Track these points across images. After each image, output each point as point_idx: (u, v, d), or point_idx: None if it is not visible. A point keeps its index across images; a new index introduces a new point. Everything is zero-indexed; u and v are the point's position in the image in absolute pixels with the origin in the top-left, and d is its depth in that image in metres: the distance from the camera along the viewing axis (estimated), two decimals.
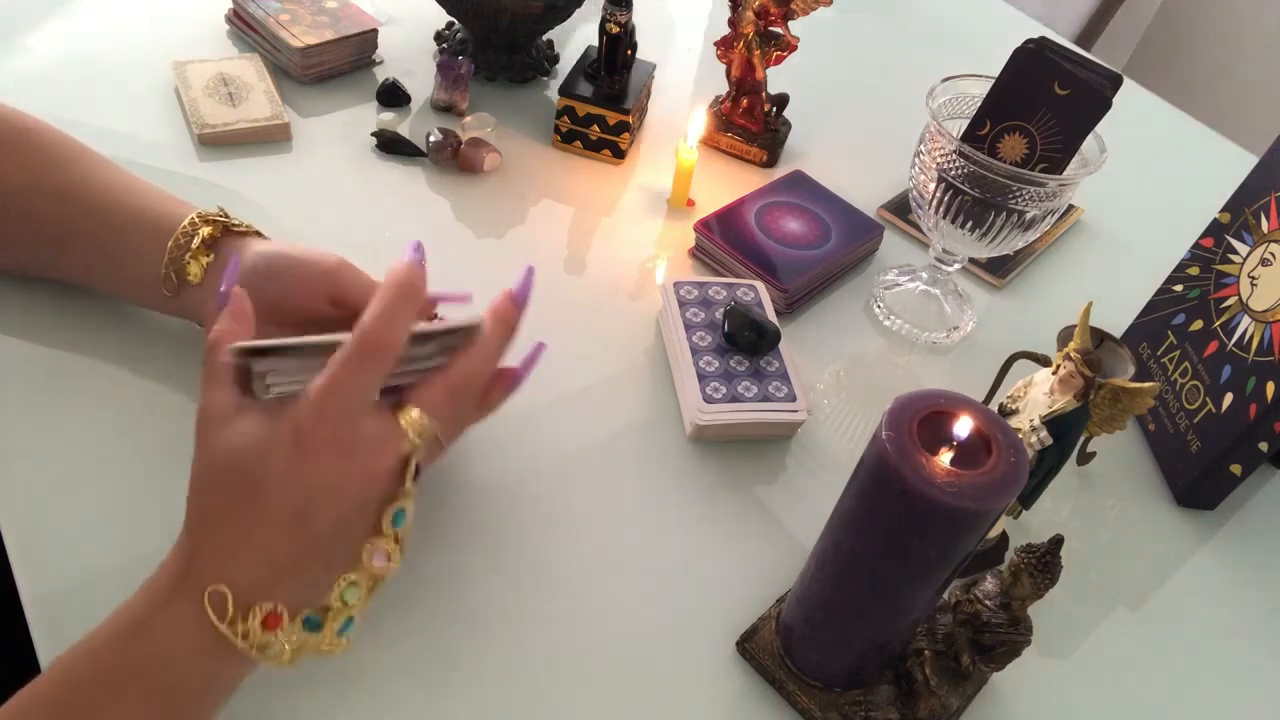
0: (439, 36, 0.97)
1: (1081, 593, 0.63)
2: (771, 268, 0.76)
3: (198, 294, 0.58)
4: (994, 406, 0.61)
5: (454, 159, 0.83)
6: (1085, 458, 0.69)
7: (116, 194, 0.60)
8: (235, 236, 0.59)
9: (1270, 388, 0.63)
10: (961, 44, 1.20)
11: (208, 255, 0.58)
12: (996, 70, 0.69)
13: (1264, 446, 0.64)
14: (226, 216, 0.60)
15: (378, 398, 0.45)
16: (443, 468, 0.60)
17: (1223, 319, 0.68)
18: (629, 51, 0.86)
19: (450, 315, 0.54)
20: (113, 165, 0.62)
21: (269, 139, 0.81)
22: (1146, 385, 0.55)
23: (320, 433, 0.42)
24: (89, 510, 0.54)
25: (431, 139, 0.82)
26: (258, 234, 0.61)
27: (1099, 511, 0.69)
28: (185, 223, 0.58)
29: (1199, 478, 0.68)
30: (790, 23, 0.87)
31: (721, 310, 0.70)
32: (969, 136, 0.71)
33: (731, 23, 0.89)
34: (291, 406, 0.43)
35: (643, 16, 0.89)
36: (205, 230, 0.58)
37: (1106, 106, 0.66)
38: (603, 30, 0.83)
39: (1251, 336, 0.65)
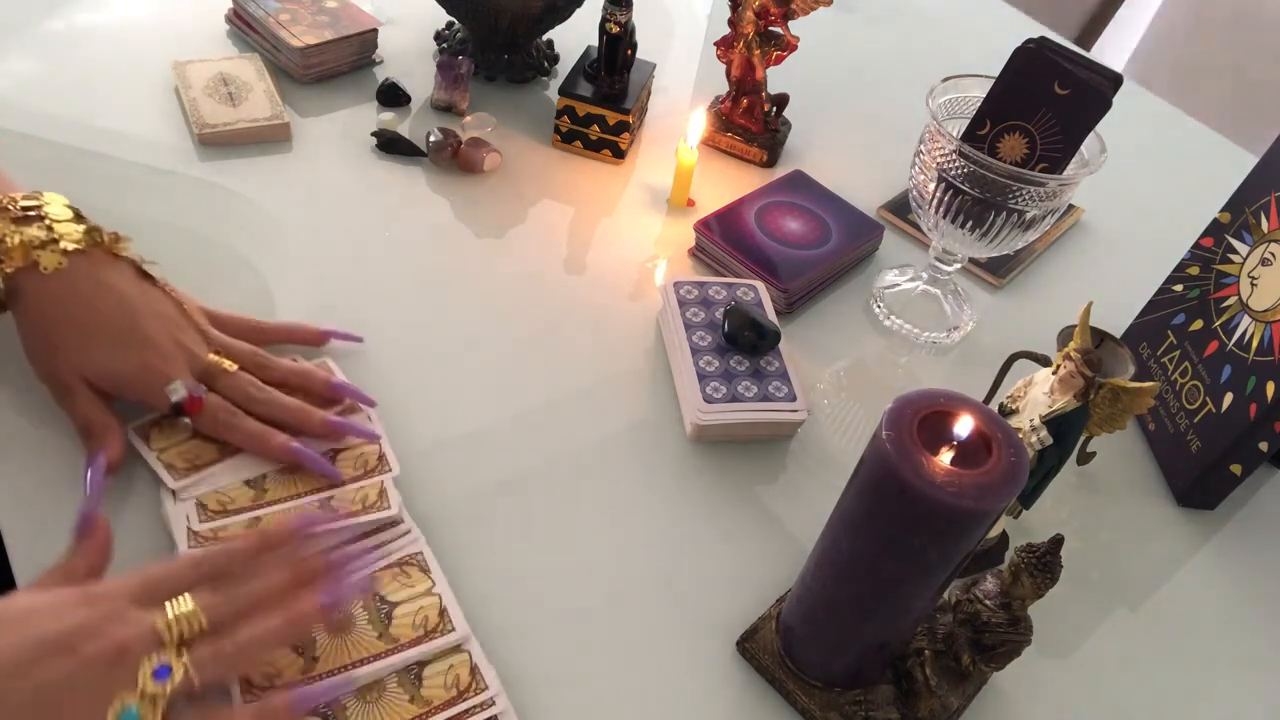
0: (439, 36, 0.97)
1: (1081, 593, 0.63)
2: (771, 267, 0.76)
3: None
4: (994, 406, 0.61)
5: (454, 159, 0.83)
6: (1085, 458, 0.69)
7: None
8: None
9: (1270, 388, 0.62)
10: (961, 44, 1.20)
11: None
12: (996, 70, 0.69)
13: (1264, 446, 0.64)
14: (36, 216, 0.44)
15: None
16: (441, 467, 0.60)
17: (1223, 319, 0.68)
18: (629, 51, 0.86)
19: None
20: None
21: (269, 139, 0.81)
22: (1146, 385, 0.55)
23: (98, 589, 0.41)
24: None
25: (431, 139, 0.82)
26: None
27: (1099, 511, 0.69)
28: None
29: (1199, 478, 0.68)
30: (790, 23, 0.87)
31: (721, 310, 0.70)
32: (969, 136, 0.71)
33: (731, 23, 0.89)
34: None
35: (643, 16, 0.89)
36: None
37: (1106, 106, 0.66)
38: (603, 30, 0.83)
39: (1251, 336, 0.65)
